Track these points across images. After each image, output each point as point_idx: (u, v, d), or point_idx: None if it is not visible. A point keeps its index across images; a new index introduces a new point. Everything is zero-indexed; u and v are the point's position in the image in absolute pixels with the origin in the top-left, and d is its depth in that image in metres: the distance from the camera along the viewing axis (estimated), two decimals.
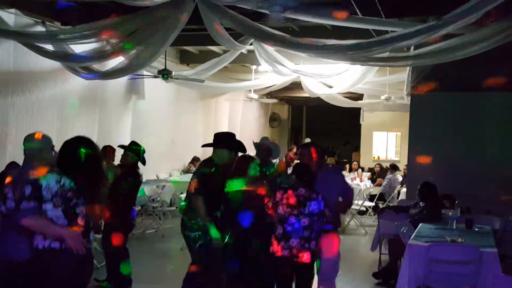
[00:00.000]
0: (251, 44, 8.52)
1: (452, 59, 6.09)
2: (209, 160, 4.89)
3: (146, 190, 9.16)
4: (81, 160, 3.22)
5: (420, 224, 5.85)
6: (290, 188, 4.43)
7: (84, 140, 3.34)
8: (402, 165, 12.88)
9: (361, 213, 10.58)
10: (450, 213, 5.89)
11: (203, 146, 5.18)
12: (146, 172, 11.39)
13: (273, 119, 20.59)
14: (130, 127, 10.96)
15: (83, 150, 3.26)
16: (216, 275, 4.74)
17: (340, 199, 4.96)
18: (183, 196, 8.87)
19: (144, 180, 10.75)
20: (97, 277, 5.89)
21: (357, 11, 6.14)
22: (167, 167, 12.60)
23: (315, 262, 4.54)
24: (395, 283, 5.05)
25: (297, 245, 4.30)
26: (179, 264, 7.07)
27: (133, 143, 6.11)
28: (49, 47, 7.56)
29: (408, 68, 8.61)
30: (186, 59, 12.33)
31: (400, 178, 11.88)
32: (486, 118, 7.80)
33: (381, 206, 10.46)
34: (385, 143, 17.69)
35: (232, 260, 4.74)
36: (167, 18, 6.07)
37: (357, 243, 8.77)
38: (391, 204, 10.08)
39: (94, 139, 3.44)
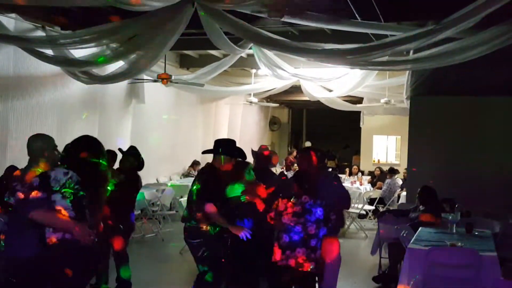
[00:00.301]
0: (250, 48, 8.54)
1: (451, 63, 6.10)
2: (209, 166, 4.86)
3: (146, 194, 9.17)
4: (86, 161, 3.30)
5: (420, 228, 5.84)
6: (294, 196, 4.37)
7: (89, 141, 3.47)
8: (402, 169, 12.87)
9: (361, 216, 10.58)
10: (450, 217, 5.89)
11: (204, 152, 5.15)
12: (146, 176, 11.41)
13: (273, 123, 20.60)
14: (130, 131, 10.97)
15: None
16: (222, 277, 4.71)
17: None
18: (183, 200, 8.90)
19: (144, 184, 10.81)
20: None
21: (356, 15, 6.16)
22: (167, 170, 12.60)
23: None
24: (395, 287, 5.04)
25: (303, 254, 4.24)
26: (178, 268, 7.09)
27: (132, 148, 6.11)
28: (49, 51, 7.57)
29: (407, 71, 8.62)
30: (186, 63, 12.35)
31: (400, 182, 11.87)
32: (486, 122, 7.82)
33: (381, 209, 10.45)
34: (385, 147, 17.70)
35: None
36: (167, 23, 6.07)
37: (357, 247, 8.76)
38: (391, 208, 10.08)
39: None
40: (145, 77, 9.80)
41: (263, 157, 5.76)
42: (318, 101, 12.83)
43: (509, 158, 7.66)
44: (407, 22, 7.10)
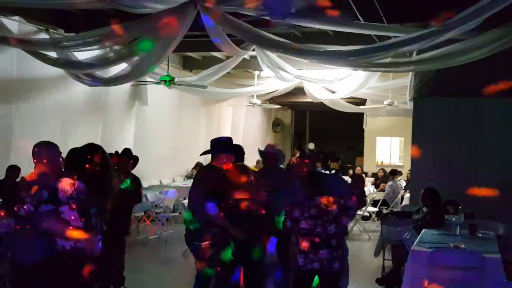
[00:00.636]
0: (253, 50, 8.55)
1: (454, 64, 6.10)
2: (209, 167, 4.84)
3: (149, 196, 9.17)
4: (91, 166, 3.38)
5: (423, 230, 5.83)
6: (306, 200, 4.32)
7: (93, 148, 3.53)
8: (405, 170, 12.84)
9: (364, 218, 10.56)
10: (454, 219, 5.87)
11: (202, 154, 5.15)
12: (149, 177, 11.45)
13: (276, 124, 20.59)
14: (134, 133, 10.99)
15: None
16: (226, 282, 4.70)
17: None
18: (186, 202, 8.90)
19: (147, 186, 10.83)
20: None
21: (359, 16, 6.16)
22: (170, 172, 12.62)
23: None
24: None
25: (327, 255, 4.22)
26: (181, 270, 7.09)
27: (128, 150, 6.08)
28: (53, 54, 7.60)
29: (411, 73, 8.61)
30: (189, 65, 12.37)
31: (404, 183, 11.84)
32: (489, 123, 7.79)
33: (384, 211, 10.43)
34: (388, 148, 17.66)
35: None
36: (169, 25, 6.09)
37: (361, 249, 8.74)
38: (394, 210, 10.05)
39: None
40: (148, 79, 9.82)
41: (270, 156, 5.75)
42: (321, 102, 12.82)
43: None
44: (410, 23, 7.09)
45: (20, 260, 3.52)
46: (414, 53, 6.90)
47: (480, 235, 5.73)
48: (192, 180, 11.85)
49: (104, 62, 7.73)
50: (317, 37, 8.18)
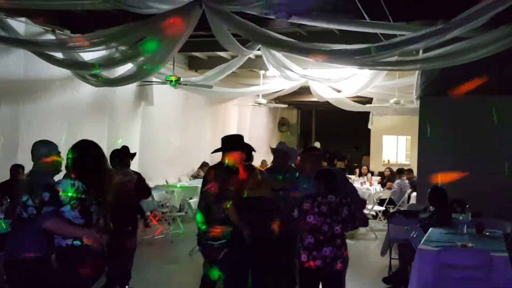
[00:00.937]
0: (258, 49, 8.55)
1: (461, 62, 6.06)
2: (220, 165, 4.75)
3: (155, 195, 9.19)
4: (90, 164, 3.42)
5: (430, 229, 5.81)
6: (319, 195, 4.34)
7: (89, 144, 3.58)
8: (413, 169, 12.78)
9: (371, 217, 10.53)
10: (461, 218, 5.85)
11: (214, 151, 4.98)
12: (155, 177, 11.48)
13: (282, 124, 20.58)
14: (140, 133, 11.02)
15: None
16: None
17: None
18: (192, 201, 8.92)
19: (153, 185, 10.86)
20: None
21: (365, 15, 6.14)
22: (176, 172, 12.65)
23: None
24: None
25: (330, 254, 4.22)
26: (188, 269, 7.10)
27: (125, 147, 6.14)
28: (59, 55, 7.63)
29: (417, 71, 8.57)
30: (194, 65, 12.39)
31: (406, 181, 11.77)
32: (496, 121, 7.74)
33: (391, 210, 10.40)
34: (395, 147, 17.62)
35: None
36: (174, 25, 6.10)
37: (367, 248, 8.72)
38: (401, 209, 10.02)
39: (104, 146, 3.58)
40: (153, 79, 9.84)
41: (282, 154, 5.72)
42: (327, 102, 12.80)
43: None
44: (416, 21, 7.06)
45: (15, 255, 3.56)
46: (421, 51, 6.87)
47: (487, 233, 5.71)
48: (197, 179, 11.98)
49: (110, 62, 7.76)
50: (322, 36, 8.16)
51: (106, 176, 3.62)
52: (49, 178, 3.67)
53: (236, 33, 6.82)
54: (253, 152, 5.19)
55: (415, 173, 12.34)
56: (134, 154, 6.18)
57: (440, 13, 6.65)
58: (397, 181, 11.66)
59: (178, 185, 10.92)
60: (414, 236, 5.62)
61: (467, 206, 6.24)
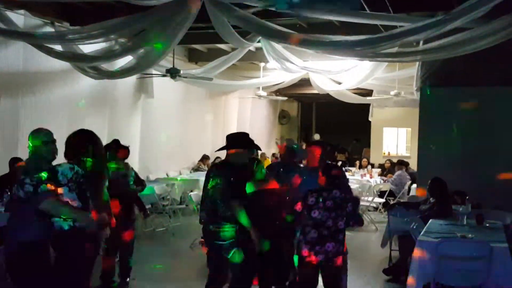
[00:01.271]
0: (259, 42, 8.51)
1: (461, 53, 6.03)
2: (225, 163, 4.63)
3: (156, 188, 9.20)
4: (86, 153, 3.51)
5: (430, 220, 5.81)
6: (324, 190, 4.33)
7: (87, 133, 3.61)
8: (413, 161, 12.78)
9: (371, 209, 10.54)
10: (461, 209, 5.85)
11: (218, 150, 4.90)
12: (156, 170, 11.49)
13: (283, 116, 20.56)
14: (140, 126, 11.02)
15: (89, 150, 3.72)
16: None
17: None
18: (193, 194, 8.92)
19: (154, 178, 10.87)
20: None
21: (365, 6, 6.11)
22: (176, 165, 12.65)
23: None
24: (406, 279, 5.03)
25: (332, 249, 4.23)
26: (188, 262, 7.13)
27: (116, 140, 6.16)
28: (58, 47, 7.61)
29: (417, 63, 8.55)
30: (194, 57, 12.36)
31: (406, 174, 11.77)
32: (497, 113, 7.73)
33: (391, 202, 10.41)
34: (395, 139, 17.61)
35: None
36: (175, 17, 6.07)
37: (368, 240, 8.74)
38: (401, 200, 10.03)
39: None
40: (153, 71, 9.82)
41: (286, 151, 5.65)
42: (328, 94, 12.78)
43: None
44: (417, 12, 7.03)
45: (16, 239, 3.59)
46: (421, 42, 6.85)
47: (487, 224, 5.72)
48: (197, 172, 12.00)
49: (109, 55, 7.74)
50: (323, 27, 8.14)
51: (100, 168, 3.68)
52: (44, 164, 3.70)
53: (236, 25, 6.79)
54: (259, 149, 5.14)
55: (413, 165, 12.37)
56: (127, 147, 6.14)
57: (440, 4, 6.63)
58: (398, 172, 11.67)
59: (179, 178, 10.92)
60: (414, 227, 5.64)
61: (467, 197, 6.25)
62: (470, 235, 5.04)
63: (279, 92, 16.16)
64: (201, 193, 4.94)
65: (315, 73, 10.95)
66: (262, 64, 12.01)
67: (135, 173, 6.26)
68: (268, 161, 12.79)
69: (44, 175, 3.49)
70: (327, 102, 17.29)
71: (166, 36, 6.59)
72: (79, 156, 3.65)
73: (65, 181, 3.48)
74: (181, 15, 6.08)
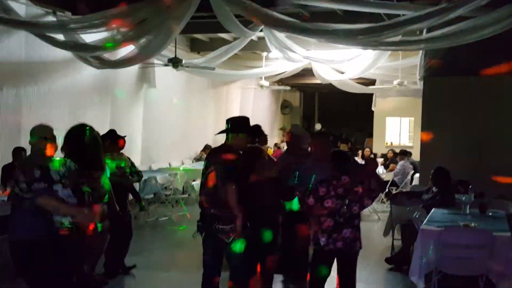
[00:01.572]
0: (261, 31, 8.47)
1: (465, 42, 6.00)
2: (226, 148, 4.48)
3: (158, 178, 9.22)
4: (83, 146, 3.48)
5: (433, 209, 5.81)
6: (334, 179, 4.30)
7: (85, 127, 3.57)
8: (416, 151, 12.76)
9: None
10: (464, 198, 5.84)
11: (218, 133, 4.73)
12: (158, 160, 11.50)
13: (285, 106, 20.52)
14: (142, 115, 11.02)
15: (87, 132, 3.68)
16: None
17: None
18: (195, 183, 8.93)
19: (156, 168, 10.88)
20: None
21: None
22: (179, 155, 12.66)
23: None
24: (408, 268, 5.04)
25: (350, 234, 4.22)
26: (191, 251, 7.15)
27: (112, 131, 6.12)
28: (60, 37, 7.59)
29: (420, 52, 8.51)
30: (196, 47, 12.32)
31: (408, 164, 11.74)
32: (500, 102, 7.70)
33: (394, 192, 10.40)
34: (398, 129, 17.59)
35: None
36: (176, 7, 6.04)
37: (370, 229, 8.74)
38: (404, 190, 10.02)
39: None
40: (155, 61, 9.79)
41: (295, 138, 5.63)
42: (330, 84, 12.74)
43: None
44: (420, 1, 6.98)
45: (18, 238, 3.59)
46: (424, 31, 6.81)
47: (490, 214, 5.71)
48: (200, 162, 12.00)
49: (111, 44, 7.70)
50: (325, 16, 8.08)
51: (99, 162, 3.63)
52: (41, 160, 3.68)
53: (238, 13, 6.76)
54: (264, 135, 5.07)
55: (416, 155, 12.34)
56: (124, 137, 6.10)
57: None
58: (400, 162, 11.65)
59: (181, 168, 10.94)
60: (417, 216, 5.63)
61: (471, 186, 6.24)
62: (473, 224, 5.04)
63: (281, 82, 16.12)
64: None
65: (318, 63, 10.90)
66: (264, 54, 11.97)
67: (132, 163, 6.20)
68: (270, 151, 12.78)
69: (37, 172, 3.44)
70: (329, 92, 17.24)
71: (168, 25, 6.58)
72: (75, 151, 3.61)
73: (58, 178, 3.42)
74: (183, 4, 6.05)
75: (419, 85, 9.61)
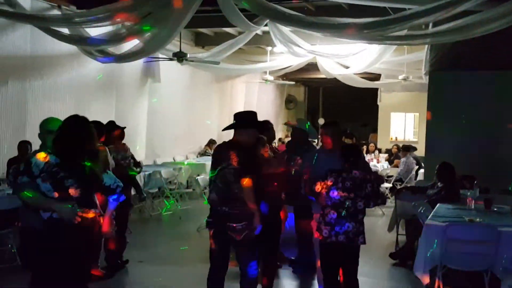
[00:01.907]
0: (266, 25, 8.45)
1: (471, 37, 5.96)
2: (234, 143, 4.36)
3: (163, 172, 9.24)
4: (79, 141, 3.47)
5: (437, 204, 5.79)
6: (344, 171, 4.30)
7: (79, 120, 3.58)
8: (421, 146, 12.71)
9: None
10: (469, 193, 5.82)
11: (225, 129, 4.61)
12: (163, 154, 11.52)
13: (289, 101, 20.49)
14: (147, 110, 11.03)
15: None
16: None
17: None
18: (200, 178, 8.93)
19: (161, 162, 10.90)
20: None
21: None
22: (183, 149, 12.68)
23: None
24: (412, 263, 5.03)
25: (353, 229, 4.22)
26: (196, 245, 7.17)
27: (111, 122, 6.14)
28: (65, 30, 7.59)
29: (426, 46, 8.46)
30: (201, 41, 12.31)
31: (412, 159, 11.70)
32: (506, 97, 7.65)
33: (398, 187, 10.39)
34: (403, 124, 17.54)
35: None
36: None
37: (374, 224, 8.74)
38: (408, 185, 10.00)
39: None
40: (160, 55, 9.78)
41: (300, 131, 5.62)
42: (335, 78, 12.71)
43: None
44: None
45: (26, 227, 3.63)
46: (430, 25, 6.77)
47: (495, 209, 5.69)
48: (204, 156, 12.00)
49: (116, 38, 7.71)
50: (331, 10, 8.06)
51: (93, 155, 3.59)
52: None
53: (243, 7, 6.74)
54: (270, 130, 5.07)
55: (421, 150, 12.29)
56: (123, 128, 6.11)
57: None
58: (403, 159, 11.62)
59: (186, 162, 10.95)
60: (422, 211, 5.62)
61: (476, 182, 6.21)
62: (478, 219, 5.02)
63: (286, 76, 16.09)
64: (207, 177, 4.85)
65: (323, 57, 10.87)
66: (269, 48, 11.94)
67: (132, 155, 6.24)
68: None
69: (21, 166, 3.43)
70: (334, 87, 17.20)
71: (173, 19, 6.56)
72: (61, 146, 3.50)
73: (37, 172, 3.36)
74: None
75: (425, 80, 9.57)
